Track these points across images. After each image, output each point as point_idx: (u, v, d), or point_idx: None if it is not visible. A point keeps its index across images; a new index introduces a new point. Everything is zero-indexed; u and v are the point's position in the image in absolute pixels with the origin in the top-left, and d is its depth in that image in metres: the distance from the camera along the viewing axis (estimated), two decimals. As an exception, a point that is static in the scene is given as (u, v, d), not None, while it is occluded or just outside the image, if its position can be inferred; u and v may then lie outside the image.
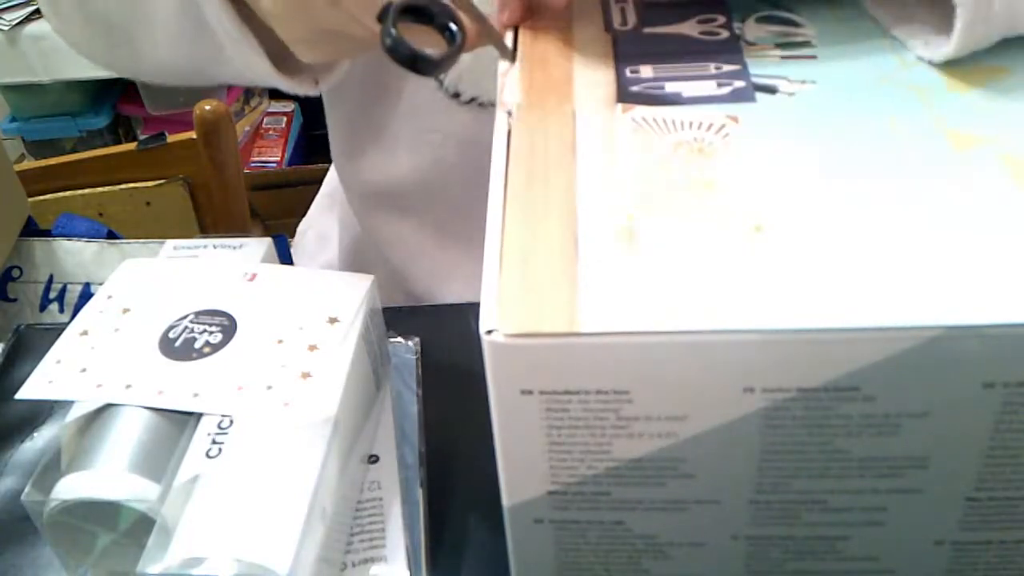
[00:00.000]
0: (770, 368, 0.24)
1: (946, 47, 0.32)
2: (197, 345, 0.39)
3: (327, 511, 0.36)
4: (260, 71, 0.41)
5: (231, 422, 0.36)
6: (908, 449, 0.25)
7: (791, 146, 0.29)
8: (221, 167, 1.02)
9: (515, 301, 0.25)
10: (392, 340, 0.47)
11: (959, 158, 0.28)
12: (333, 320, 0.40)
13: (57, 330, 0.41)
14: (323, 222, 0.76)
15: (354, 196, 0.66)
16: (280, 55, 0.41)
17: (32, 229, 0.97)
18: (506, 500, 0.28)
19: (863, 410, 0.25)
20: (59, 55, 1.42)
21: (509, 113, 0.32)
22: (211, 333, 0.39)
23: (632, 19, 0.36)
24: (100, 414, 0.37)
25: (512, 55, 0.34)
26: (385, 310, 0.45)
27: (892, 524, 0.27)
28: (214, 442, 0.35)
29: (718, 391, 0.25)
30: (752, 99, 0.31)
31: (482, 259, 0.24)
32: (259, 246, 0.46)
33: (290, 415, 0.36)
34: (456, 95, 0.55)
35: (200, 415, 0.37)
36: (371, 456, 0.41)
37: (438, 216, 0.60)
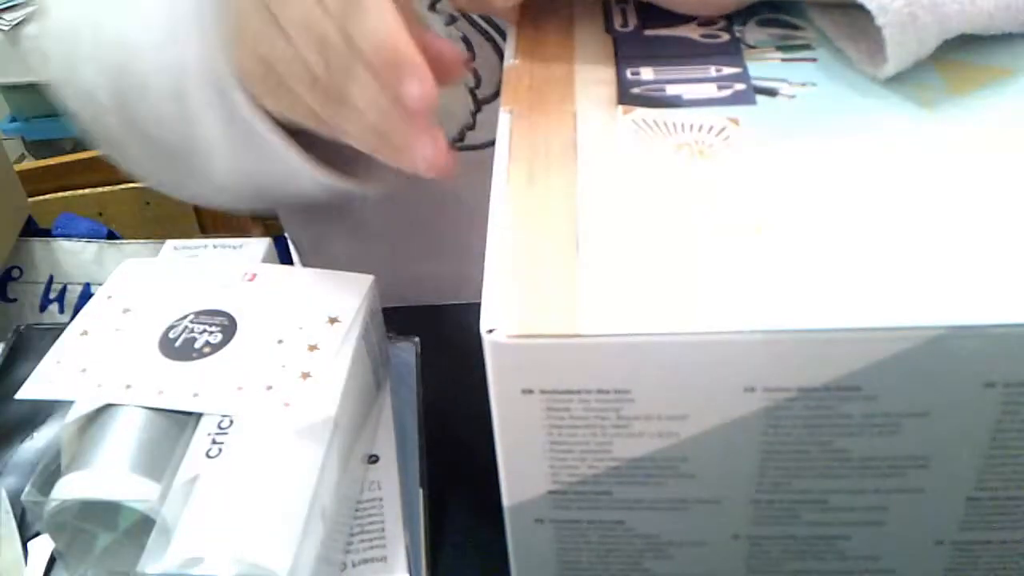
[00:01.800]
0: (771, 368, 0.24)
1: (886, 65, 0.31)
2: (197, 345, 0.39)
3: (327, 511, 0.36)
4: (308, 176, 0.40)
5: (231, 422, 0.36)
6: (909, 449, 0.25)
7: (791, 148, 0.29)
8: (221, 167, 1.01)
9: (516, 301, 0.25)
10: (392, 340, 0.47)
11: (959, 159, 0.28)
12: (333, 320, 0.40)
13: (57, 330, 0.41)
14: None
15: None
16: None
17: (32, 229, 0.97)
18: (506, 500, 0.28)
19: (864, 410, 0.25)
20: (59, 55, 1.42)
21: (510, 112, 0.32)
22: (211, 333, 0.39)
23: (633, 21, 0.36)
24: (100, 414, 0.37)
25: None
26: (385, 310, 0.45)
27: (893, 524, 0.27)
28: (214, 442, 0.35)
29: (719, 391, 0.25)
30: (752, 101, 0.31)
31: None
32: (259, 246, 0.46)
33: (290, 415, 0.36)
34: None
35: (200, 415, 0.37)
36: (371, 456, 0.41)
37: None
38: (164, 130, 0.42)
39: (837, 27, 0.34)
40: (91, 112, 0.46)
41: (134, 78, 0.41)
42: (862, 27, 0.32)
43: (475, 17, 0.47)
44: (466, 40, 0.47)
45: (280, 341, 0.39)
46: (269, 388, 0.37)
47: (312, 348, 0.38)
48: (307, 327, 0.39)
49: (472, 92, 0.50)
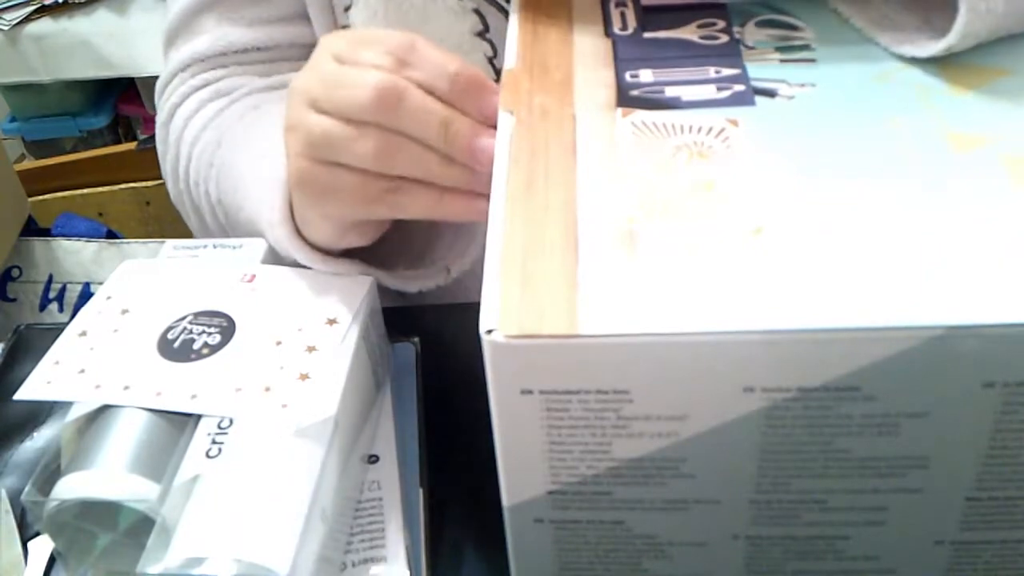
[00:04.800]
0: (770, 368, 0.24)
1: (939, 43, 0.32)
2: (195, 346, 0.39)
3: (327, 511, 0.36)
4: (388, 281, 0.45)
5: (231, 422, 0.36)
6: (908, 449, 0.25)
7: (790, 149, 0.29)
8: (221, 168, 1.01)
9: (515, 301, 0.25)
10: (392, 340, 0.47)
11: (959, 159, 0.28)
12: (332, 321, 0.40)
13: (57, 330, 0.41)
14: None
15: None
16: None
17: (32, 229, 0.97)
18: (506, 500, 0.28)
19: (863, 410, 0.25)
20: (59, 55, 1.42)
21: (511, 114, 0.32)
22: (210, 334, 0.39)
23: (632, 23, 0.36)
24: (100, 414, 0.37)
25: None
26: (385, 310, 0.45)
27: (892, 524, 0.27)
28: (214, 442, 0.35)
29: (718, 391, 0.25)
30: (751, 103, 0.31)
31: None
32: (259, 246, 0.46)
33: (288, 417, 0.36)
34: None
35: (200, 415, 0.37)
36: (371, 456, 0.41)
37: None
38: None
39: (864, 13, 0.35)
40: (188, 207, 0.55)
41: (230, 219, 0.49)
42: (893, 16, 0.33)
43: None
44: (478, 12, 0.47)
45: (279, 343, 0.39)
46: (267, 390, 0.37)
47: (311, 349, 0.38)
48: (306, 328, 0.39)
49: (491, 62, 0.50)
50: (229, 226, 0.50)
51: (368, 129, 0.35)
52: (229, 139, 0.50)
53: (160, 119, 0.57)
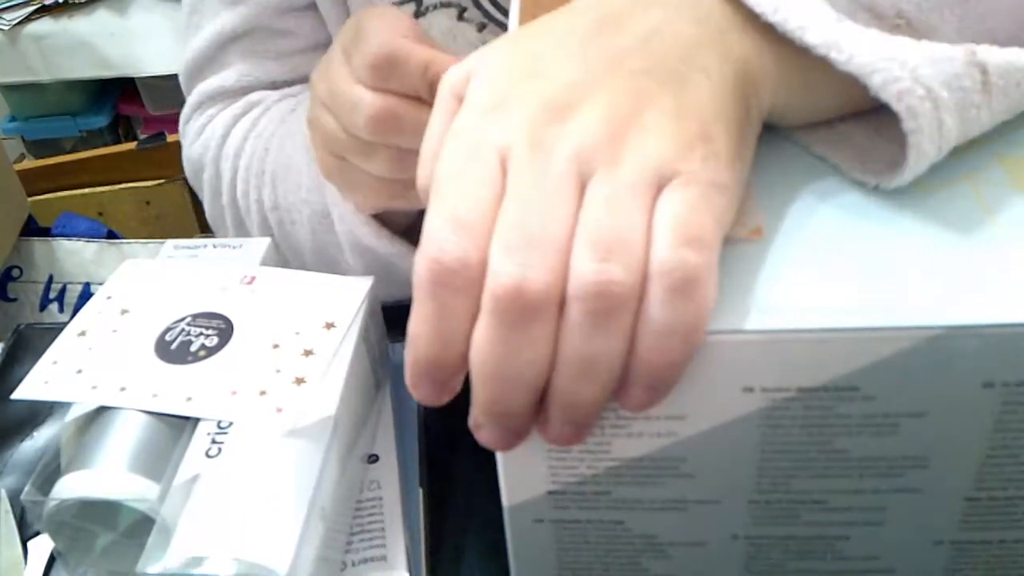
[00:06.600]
0: (770, 368, 0.24)
1: (898, 177, 0.26)
2: (193, 348, 0.39)
3: (327, 511, 0.36)
4: None
5: (231, 422, 0.36)
6: (907, 449, 0.25)
7: (791, 148, 0.29)
8: (221, 167, 1.01)
9: (515, 301, 0.25)
10: (392, 340, 0.47)
11: (958, 159, 0.28)
12: (330, 325, 0.40)
13: (57, 330, 0.41)
14: None
15: None
16: None
17: (32, 228, 0.97)
18: (506, 500, 0.28)
19: (863, 410, 0.25)
20: (59, 55, 1.42)
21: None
22: (207, 336, 0.39)
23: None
24: (100, 413, 0.37)
25: None
26: (385, 310, 0.45)
27: (891, 524, 0.27)
28: (214, 442, 0.35)
29: (718, 391, 0.25)
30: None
31: None
32: (259, 245, 0.46)
33: (282, 421, 0.36)
34: None
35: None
36: (371, 456, 0.41)
37: None
38: (308, 256, 0.50)
39: (826, 138, 0.29)
40: (229, 223, 0.54)
41: (284, 224, 0.50)
42: (846, 133, 0.29)
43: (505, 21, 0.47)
44: None
45: (276, 346, 0.39)
46: (263, 393, 0.37)
47: (307, 353, 0.38)
48: (303, 332, 0.39)
49: None
50: (282, 234, 0.50)
51: (373, 147, 0.37)
52: (277, 145, 0.50)
53: (187, 140, 0.57)
